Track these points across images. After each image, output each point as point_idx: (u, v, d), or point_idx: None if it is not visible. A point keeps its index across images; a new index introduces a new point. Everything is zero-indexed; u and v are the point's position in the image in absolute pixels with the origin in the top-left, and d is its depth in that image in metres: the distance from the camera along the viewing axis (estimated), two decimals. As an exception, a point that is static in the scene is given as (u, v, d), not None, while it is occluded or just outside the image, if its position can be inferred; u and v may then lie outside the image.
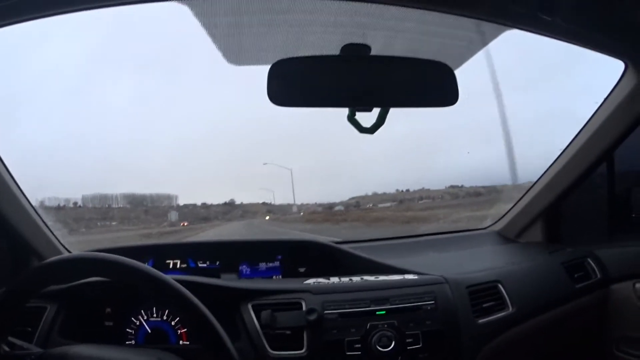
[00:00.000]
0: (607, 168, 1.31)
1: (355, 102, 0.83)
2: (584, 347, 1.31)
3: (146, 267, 0.67)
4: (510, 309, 1.05)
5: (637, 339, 1.23)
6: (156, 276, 0.66)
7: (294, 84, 0.80)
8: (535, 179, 1.38)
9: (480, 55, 0.99)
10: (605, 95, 1.22)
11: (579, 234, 1.37)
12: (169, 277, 0.67)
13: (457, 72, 0.86)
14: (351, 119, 0.84)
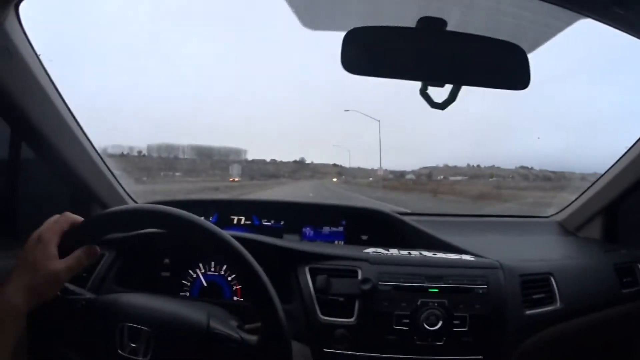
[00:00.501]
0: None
1: (427, 77, 0.83)
2: (626, 357, 1.28)
3: (205, 222, 0.68)
4: (558, 304, 1.03)
5: None
6: (215, 232, 0.67)
7: (368, 53, 0.81)
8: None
9: (557, 42, 0.97)
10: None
11: (637, 236, 1.33)
12: (228, 234, 0.67)
13: (533, 56, 0.86)
14: (423, 92, 0.85)
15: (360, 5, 0.90)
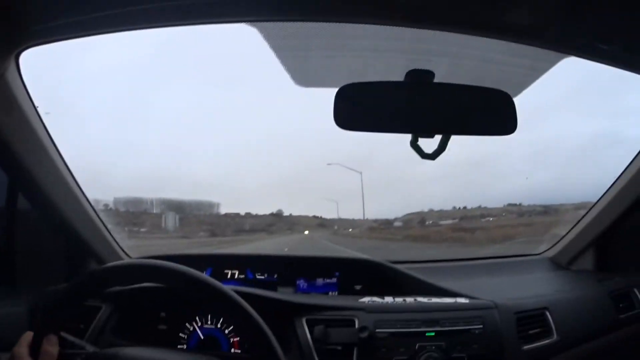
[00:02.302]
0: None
1: (418, 129, 0.86)
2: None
3: (205, 276, 0.71)
4: (555, 336, 1.07)
5: None
6: (214, 285, 0.70)
7: (360, 108, 0.84)
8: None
9: (540, 81, 1.01)
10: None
11: (631, 264, 1.37)
12: (227, 287, 0.71)
13: (517, 99, 0.90)
14: (414, 144, 0.88)
15: (349, 61, 0.93)
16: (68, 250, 1.14)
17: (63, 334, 0.73)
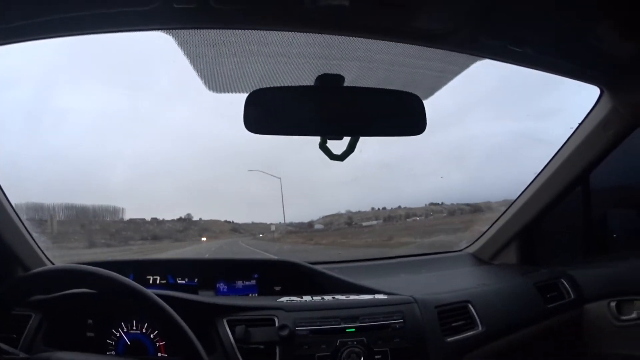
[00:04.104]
0: (582, 191, 1.40)
1: (327, 131, 0.91)
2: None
3: (129, 280, 0.75)
4: (480, 328, 1.13)
5: (613, 355, 1.32)
6: (138, 290, 0.74)
7: (269, 112, 0.88)
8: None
9: (456, 83, 1.07)
10: (580, 120, 1.31)
11: (554, 256, 1.45)
12: (150, 291, 0.74)
13: (431, 101, 0.95)
14: (322, 146, 0.92)
15: (262, 67, 0.97)
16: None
17: None
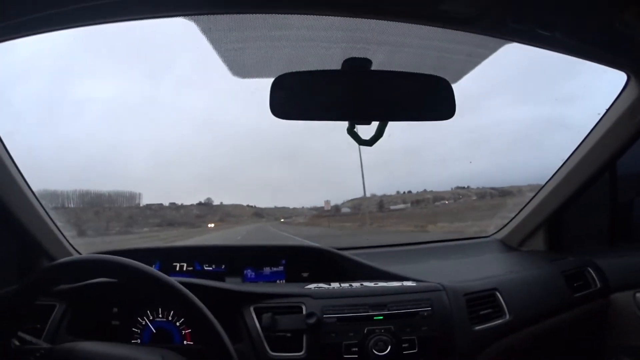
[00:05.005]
0: (610, 178, 1.38)
1: (355, 116, 0.90)
2: (583, 356, 1.38)
3: (152, 269, 0.74)
4: (507, 316, 1.12)
5: (637, 348, 1.30)
6: (161, 278, 0.74)
7: (296, 97, 0.87)
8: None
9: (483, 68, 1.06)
10: (607, 106, 1.28)
11: (582, 243, 1.44)
12: (173, 280, 0.74)
13: (458, 85, 0.94)
14: (351, 131, 0.92)
15: (288, 52, 0.96)
16: (19, 250, 1.15)
17: (21, 334, 0.76)
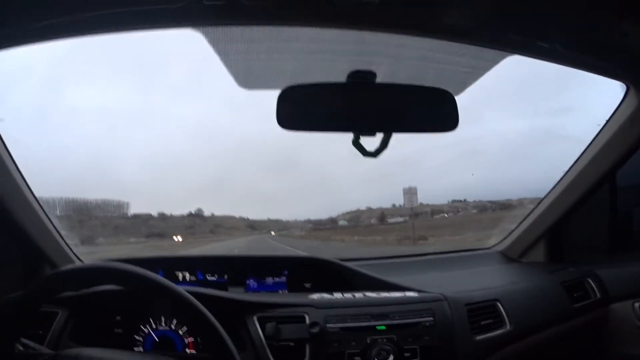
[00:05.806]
0: (610, 188, 1.40)
1: (360, 128, 0.91)
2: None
3: (160, 277, 0.76)
4: (508, 326, 1.14)
5: (636, 357, 1.32)
6: (170, 288, 0.75)
7: (302, 109, 0.89)
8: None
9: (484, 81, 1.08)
10: (607, 117, 1.30)
11: (582, 254, 1.45)
12: (181, 288, 0.75)
13: (460, 97, 0.96)
14: (356, 143, 0.93)
15: (292, 64, 0.98)
16: (23, 256, 1.16)
17: (23, 340, 0.77)
